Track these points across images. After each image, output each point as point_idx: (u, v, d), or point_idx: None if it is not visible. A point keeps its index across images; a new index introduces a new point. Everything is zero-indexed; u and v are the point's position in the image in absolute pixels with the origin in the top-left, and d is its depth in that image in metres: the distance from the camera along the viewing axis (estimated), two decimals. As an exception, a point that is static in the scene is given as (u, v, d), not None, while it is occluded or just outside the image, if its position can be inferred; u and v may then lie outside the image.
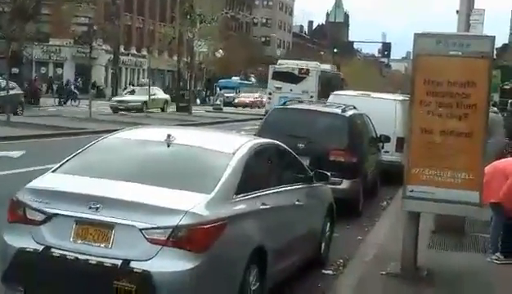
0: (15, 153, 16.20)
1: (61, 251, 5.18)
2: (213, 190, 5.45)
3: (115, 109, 39.45)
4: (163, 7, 77.88)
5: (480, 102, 7.18)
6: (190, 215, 5.11)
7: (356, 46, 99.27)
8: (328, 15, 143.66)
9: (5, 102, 26.14)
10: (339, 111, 12.41)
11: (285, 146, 7.57)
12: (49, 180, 5.76)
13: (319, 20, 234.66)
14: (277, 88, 31.25)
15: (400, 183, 7.76)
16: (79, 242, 5.21)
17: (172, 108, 44.58)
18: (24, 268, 5.28)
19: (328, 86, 28.50)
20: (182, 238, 5.04)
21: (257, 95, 63.05)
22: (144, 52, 70.81)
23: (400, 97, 17.24)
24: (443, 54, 7.23)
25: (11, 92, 27.56)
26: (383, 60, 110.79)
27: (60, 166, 6.02)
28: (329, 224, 8.50)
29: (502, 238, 8.48)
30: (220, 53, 63.35)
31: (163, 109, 42.77)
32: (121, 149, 6.34)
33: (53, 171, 5.96)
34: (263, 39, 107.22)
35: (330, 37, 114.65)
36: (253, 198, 6.00)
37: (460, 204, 7.30)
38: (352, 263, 8.23)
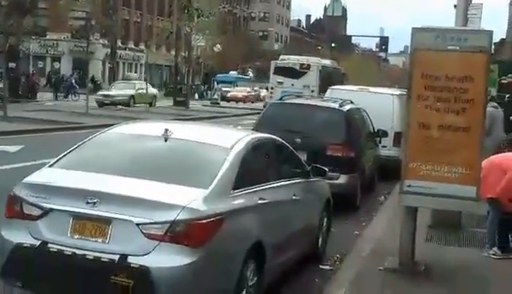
0: (12, 148, 16.17)
1: (58, 247, 5.16)
2: (210, 185, 5.44)
3: (101, 103, 38.01)
4: (161, 2, 77.85)
5: (478, 97, 7.16)
6: (188, 210, 5.10)
7: (354, 40, 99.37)
8: (326, 8, 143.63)
9: None
10: (336, 106, 12.40)
11: (283, 141, 7.56)
12: (46, 175, 5.75)
13: (316, 14, 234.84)
14: (279, 83, 31.48)
15: (397, 178, 7.74)
16: (76, 237, 5.20)
17: (167, 102, 44.24)
18: (22, 263, 5.26)
19: (329, 80, 28.56)
20: (180, 233, 5.03)
21: (250, 89, 63.00)
22: (142, 47, 70.77)
23: (398, 92, 17.22)
24: (441, 48, 7.20)
25: None
26: (381, 54, 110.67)
27: (57, 160, 6.01)
28: (326, 219, 8.51)
29: (498, 233, 8.50)
30: (218, 47, 63.39)
31: (151, 104, 41.19)
32: (118, 143, 6.32)
33: (50, 166, 5.95)
34: (261, 33, 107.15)
35: (328, 31, 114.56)
36: (251, 192, 5.99)
37: (457, 199, 7.30)
38: (349, 258, 8.23)
